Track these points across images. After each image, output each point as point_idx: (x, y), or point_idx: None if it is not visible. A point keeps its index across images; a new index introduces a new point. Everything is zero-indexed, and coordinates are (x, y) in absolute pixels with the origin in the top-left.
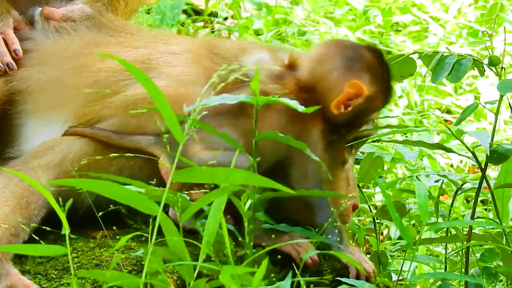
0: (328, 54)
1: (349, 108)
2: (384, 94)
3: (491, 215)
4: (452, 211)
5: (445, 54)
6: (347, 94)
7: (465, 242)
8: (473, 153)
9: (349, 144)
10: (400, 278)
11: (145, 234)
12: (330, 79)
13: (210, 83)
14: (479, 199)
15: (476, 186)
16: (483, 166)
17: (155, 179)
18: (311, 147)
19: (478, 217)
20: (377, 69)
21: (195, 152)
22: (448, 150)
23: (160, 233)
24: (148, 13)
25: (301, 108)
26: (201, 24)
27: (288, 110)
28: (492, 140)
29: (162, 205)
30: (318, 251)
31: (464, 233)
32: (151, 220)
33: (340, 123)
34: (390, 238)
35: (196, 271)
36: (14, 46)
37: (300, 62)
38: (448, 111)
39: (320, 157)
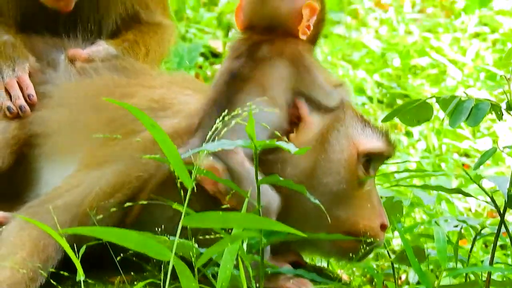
0: None
1: (311, 29)
2: (323, 3)
3: (510, 260)
4: (470, 256)
5: (462, 98)
6: (306, 16)
7: None
8: (492, 198)
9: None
10: None
11: (158, 281)
12: (283, 11)
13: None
14: (498, 244)
15: (495, 231)
16: (501, 211)
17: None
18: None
19: (497, 263)
20: None
21: (239, 161)
22: (467, 194)
23: (176, 277)
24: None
25: (294, 150)
26: (219, 66)
27: (282, 56)
28: (510, 184)
29: (173, 251)
30: None
31: (483, 279)
32: (163, 265)
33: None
34: (408, 283)
35: None
36: (28, 91)
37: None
38: (466, 155)
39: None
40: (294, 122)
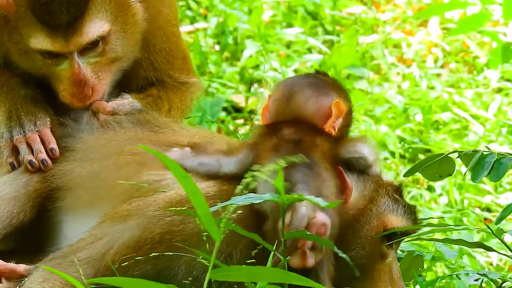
0: (293, 90)
1: (336, 131)
2: (350, 103)
3: None
4: None
5: (485, 153)
6: (335, 115)
7: None
8: None
9: (390, 243)
10: None
11: None
12: (309, 109)
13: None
14: None
15: None
16: None
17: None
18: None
19: None
20: (337, 85)
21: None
22: (488, 248)
23: None
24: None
25: (324, 204)
26: (241, 121)
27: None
28: None
29: None
30: None
31: None
32: None
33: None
34: None
35: None
36: (50, 145)
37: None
38: (488, 210)
39: None
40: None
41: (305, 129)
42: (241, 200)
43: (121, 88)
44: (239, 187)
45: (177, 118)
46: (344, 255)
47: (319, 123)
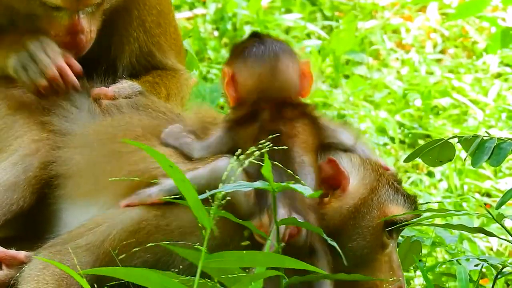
0: (273, 62)
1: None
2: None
3: None
4: None
5: (485, 138)
6: (309, 74)
7: None
8: None
9: (390, 228)
10: None
11: None
12: (293, 79)
13: (230, 168)
14: None
15: None
16: None
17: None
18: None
19: None
20: (286, 42)
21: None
22: (489, 233)
23: None
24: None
25: (308, 193)
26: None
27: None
28: None
29: None
30: None
31: None
32: None
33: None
34: None
35: None
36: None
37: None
38: (488, 195)
39: None
40: (330, 184)
41: (287, 112)
42: (230, 187)
43: (112, 69)
44: (225, 174)
45: (176, 105)
46: (333, 243)
47: (303, 89)
